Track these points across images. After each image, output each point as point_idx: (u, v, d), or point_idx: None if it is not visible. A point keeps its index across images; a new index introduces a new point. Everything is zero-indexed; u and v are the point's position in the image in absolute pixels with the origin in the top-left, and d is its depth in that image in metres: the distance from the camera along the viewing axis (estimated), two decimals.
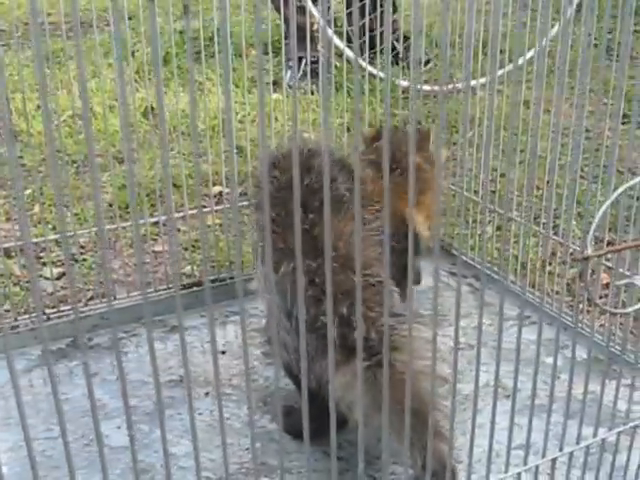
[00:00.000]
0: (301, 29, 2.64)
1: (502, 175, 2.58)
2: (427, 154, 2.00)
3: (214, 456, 1.66)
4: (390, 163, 1.67)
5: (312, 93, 2.87)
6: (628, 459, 1.45)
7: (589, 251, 1.28)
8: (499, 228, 2.45)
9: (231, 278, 2.32)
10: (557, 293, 2.11)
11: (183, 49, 2.60)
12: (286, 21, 2.65)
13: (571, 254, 2.09)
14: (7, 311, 2.10)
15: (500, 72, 2.59)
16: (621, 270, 1.66)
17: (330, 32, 2.89)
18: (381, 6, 3.61)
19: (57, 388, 1.00)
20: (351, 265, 1.47)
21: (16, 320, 2.07)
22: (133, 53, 3.79)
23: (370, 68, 2.89)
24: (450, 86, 2.51)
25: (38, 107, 3.09)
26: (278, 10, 3.25)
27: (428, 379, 1.29)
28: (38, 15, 0.81)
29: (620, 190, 1.34)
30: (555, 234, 2.19)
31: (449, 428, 1.22)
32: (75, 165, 2.93)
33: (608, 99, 1.83)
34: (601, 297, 2.09)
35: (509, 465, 1.31)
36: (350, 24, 3.69)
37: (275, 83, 2.88)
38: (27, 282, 2.28)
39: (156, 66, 0.87)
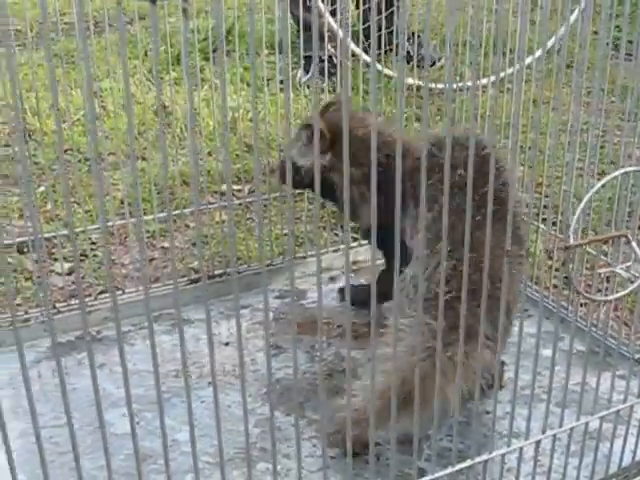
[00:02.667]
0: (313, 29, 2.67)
1: None
2: None
3: (216, 441, 1.70)
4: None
5: (327, 91, 2.91)
6: (611, 445, 1.49)
7: (571, 241, 1.33)
8: None
9: (238, 272, 2.38)
10: (553, 288, 2.15)
11: (196, 48, 2.67)
12: (299, 21, 2.67)
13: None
14: (19, 305, 2.17)
15: (510, 70, 2.62)
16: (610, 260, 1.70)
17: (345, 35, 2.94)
18: (391, 6, 3.66)
19: (64, 378, 1.06)
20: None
21: (26, 313, 2.13)
22: (146, 52, 3.86)
23: (378, 66, 2.94)
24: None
25: (52, 106, 3.15)
26: (293, 14, 3.29)
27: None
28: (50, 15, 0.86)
29: (602, 182, 1.38)
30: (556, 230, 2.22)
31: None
32: (87, 163, 2.99)
33: (615, 97, 1.86)
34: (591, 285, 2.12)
35: (494, 447, 1.36)
36: (363, 23, 3.73)
37: (282, 82, 2.92)
38: (39, 277, 2.34)
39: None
